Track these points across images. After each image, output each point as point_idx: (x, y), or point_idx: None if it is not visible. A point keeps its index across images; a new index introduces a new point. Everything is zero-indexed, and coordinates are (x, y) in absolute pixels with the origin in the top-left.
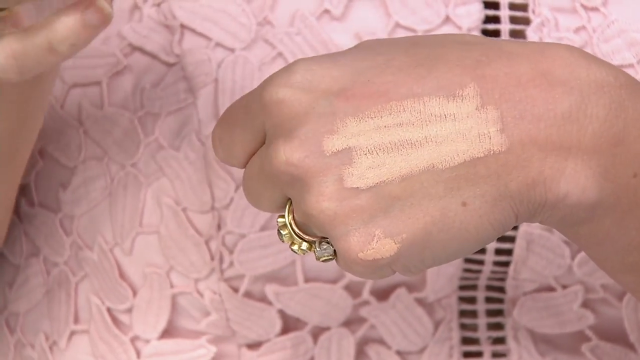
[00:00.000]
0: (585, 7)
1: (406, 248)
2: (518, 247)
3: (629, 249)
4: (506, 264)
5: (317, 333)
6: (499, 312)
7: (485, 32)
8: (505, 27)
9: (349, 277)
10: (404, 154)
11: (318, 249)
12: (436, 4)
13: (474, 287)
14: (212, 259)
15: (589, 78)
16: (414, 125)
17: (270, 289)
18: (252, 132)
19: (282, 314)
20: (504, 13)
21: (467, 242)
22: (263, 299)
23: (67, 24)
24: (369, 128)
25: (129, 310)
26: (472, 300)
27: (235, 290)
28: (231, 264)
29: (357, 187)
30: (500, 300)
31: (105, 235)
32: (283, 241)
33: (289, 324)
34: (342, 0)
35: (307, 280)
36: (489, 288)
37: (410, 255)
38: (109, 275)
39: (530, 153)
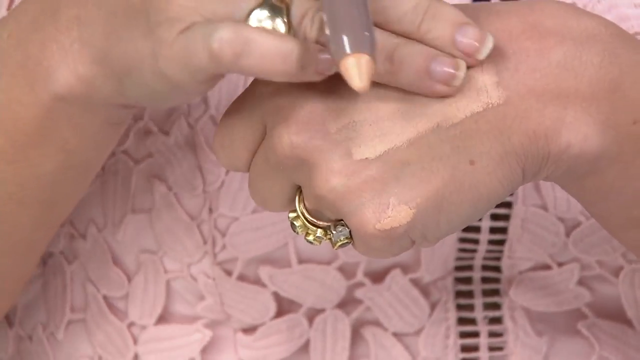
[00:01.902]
0: None
1: (422, 212)
2: (512, 225)
3: (634, 202)
4: (501, 242)
5: (312, 315)
6: (495, 292)
7: None
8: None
9: (343, 258)
10: (407, 118)
11: (334, 233)
12: None
13: (469, 268)
14: (205, 242)
15: (580, 27)
16: None
17: (264, 272)
18: (251, 128)
19: (277, 296)
20: None
21: (480, 202)
22: (257, 281)
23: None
24: (370, 100)
25: (125, 297)
26: (468, 280)
27: (229, 273)
28: (224, 247)
29: (367, 158)
30: (497, 280)
31: (97, 222)
32: (297, 233)
33: (284, 307)
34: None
35: (300, 261)
36: (485, 268)
37: (426, 219)
38: (103, 262)
39: (529, 104)
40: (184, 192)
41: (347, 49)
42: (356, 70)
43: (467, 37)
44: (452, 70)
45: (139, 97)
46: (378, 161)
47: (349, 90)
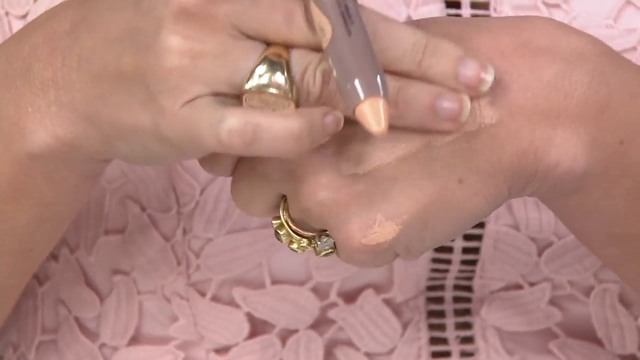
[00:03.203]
0: (546, 4)
1: (407, 229)
2: (485, 245)
3: (615, 220)
4: (473, 262)
5: (285, 336)
6: (467, 312)
7: None
8: None
9: (316, 278)
10: (398, 135)
11: (319, 243)
12: (397, 5)
13: (441, 287)
14: (179, 263)
15: (570, 46)
16: None
17: (237, 292)
18: None
19: (250, 317)
20: (466, 12)
21: (465, 219)
22: (231, 302)
23: (314, 120)
24: None
25: (97, 318)
26: (439, 300)
27: (203, 294)
28: (198, 267)
29: (355, 174)
30: (468, 300)
31: (70, 243)
32: (281, 241)
33: (257, 327)
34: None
35: (274, 282)
36: (457, 287)
37: (411, 235)
38: (75, 283)
39: (520, 123)
40: (157, 213)
41: (361, 95)
42: (372, 114)
43: (470, 70)
44: (457, 106)
45: (131, 157)
46: (367, 177)
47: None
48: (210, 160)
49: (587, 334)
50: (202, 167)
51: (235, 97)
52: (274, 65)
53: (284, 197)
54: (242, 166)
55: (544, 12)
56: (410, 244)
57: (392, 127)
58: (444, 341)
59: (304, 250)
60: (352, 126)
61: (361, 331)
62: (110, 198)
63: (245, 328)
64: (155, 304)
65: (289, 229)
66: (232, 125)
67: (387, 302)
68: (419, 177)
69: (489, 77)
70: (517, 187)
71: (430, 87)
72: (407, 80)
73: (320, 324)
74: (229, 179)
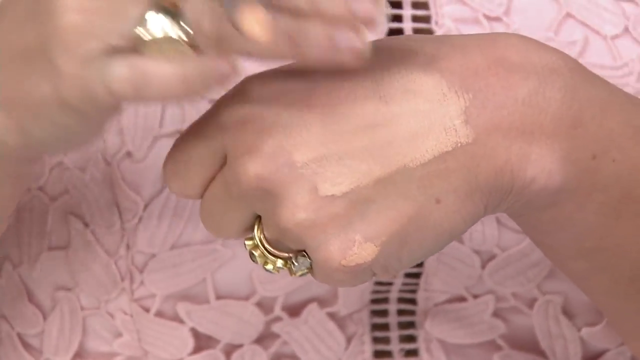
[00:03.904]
0: (487, 17)
1: (386, 249)
2: (429, 258)
3: (586, 234)
4: (417, 275)
5: (229, 351)
6: (411, 325)
7: None
8: None
9: (261, 293)
10: (375, 157)
11: (296, 264)
12: None
13: (385, 300)
14: (122, 279)
15: (542, 62)
16: (381, 127)
17: (182, 308)
18: (210, 155)
19: (195, 332)
20: (407, 25)
21: (442, 237)
22: (175, 317)
23: (210, 66)
24: (336, 135)
25: (40, 335)
26: (384, 313)
27: (147, 310)
28: (142, 283)
29: (332, 195)
30: (412, 313)
31: (12, 259)
32: (256, 262)
33: (202, 342)
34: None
35: (218, 297)
36: (401, 300)
37: (390, 255)
38: (18, 299)
39: (496, 141)
40: (101, 229)
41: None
42: (253, 21)
43: (362, 3)
44: (356, 38)
45: (48, 141)
46: (344, 198)
47: (316, 123)
48: (180, 181)
49: (530, 346)
50: (170, 190)
51: (133, 50)
52: (164, 11)
53: (258, 217)
54: (215, 187)
55: (485, 25)
56: (388, 263)
57: (354, 122)
58: (388, 354)
59: (278, 271)
60: (329, 146)
61: (305, 345)
62: (53, 214)
63: (190, 343)
64: (99, 320)
65: (264, 250)
66: (121, 73)
67: (331, 316)
68: (396, 198)
69: (382, 7)
70: (493, 204)
71: (327, 22)
72: (304, 17)
73: (264, 338)
74: (173, 196)
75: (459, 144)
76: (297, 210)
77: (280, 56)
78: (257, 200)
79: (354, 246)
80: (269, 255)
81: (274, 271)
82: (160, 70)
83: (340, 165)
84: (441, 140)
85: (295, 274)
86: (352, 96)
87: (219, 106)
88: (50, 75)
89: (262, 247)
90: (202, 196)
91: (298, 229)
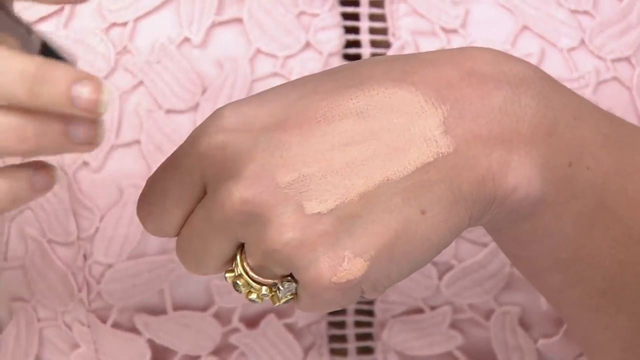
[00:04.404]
0: (444, 30)
1: (375, 264)
2: None
3: (563, 245)
4: None
5: None
6: (369, 336)
7: (347, 57)
8: (366, 51)
9: (218, 304)
10: (357, 172)
11: (281, 289)
12: (296, 30)
13: (343, 312)
14: (79, 290)
15: (512, 71)
16: (361, 142)
17: (139, 319)
18: (188, 189)
19: (152, 343)
20: (365, 37)
21: (430, 250)
22: (132, 328)
23: (17, 181)
24: (317, 153)
25: None
26: (341, 324)
27: (104, 320)
28: (98, 294)
29: (319, 212)
30: (370, 324)
31: None
32: (240, 292)
33: (159, 354)
34: (202, 27)
35: (175, 308)
36: (358, 312)
37: (379, 270)
38: None
39: (477, 150)
40: (57, 239)
41: None
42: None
43: (85, 94)
44: (88, 128)
45: None
46: (330, 215)
47: (295, 143)
48: (157, 220)
49: (487, 357)
50: (147, 231)
51: None
52: None
53: (239, 248)
54: (194, 221)
55: (442, 38)
56: (377, 280)
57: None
58: None
59: (262, 300)
60: (310, 165)
61: (263, 356)
62: (10, 225)
63: (147, 354)
64: (55, 331)
65: (248, 278)
66: None
67: (289, 327)
68: (381, 212)
69: (104, 97)
70: (477, 215)
71: (58, 114)
72: (34, 116)
73: (222, 349)
74: (130, 207)
75: (440, 155)
76: (285, 230)
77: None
78: (241, 225)
79: (344, 262)
80: (254, 284)
81: (257, 300)
82: None
83: (324, 183)
84: (422, 152)
85: (279, 301)
86: (329, 115)
87: (193, 139)
88: None
89: (246, 275)
90: (178, 233)
91: (287, 249)
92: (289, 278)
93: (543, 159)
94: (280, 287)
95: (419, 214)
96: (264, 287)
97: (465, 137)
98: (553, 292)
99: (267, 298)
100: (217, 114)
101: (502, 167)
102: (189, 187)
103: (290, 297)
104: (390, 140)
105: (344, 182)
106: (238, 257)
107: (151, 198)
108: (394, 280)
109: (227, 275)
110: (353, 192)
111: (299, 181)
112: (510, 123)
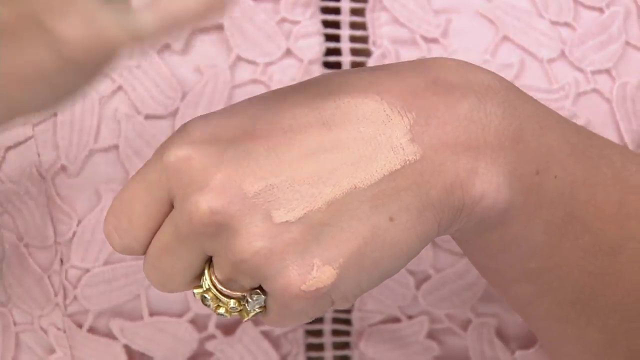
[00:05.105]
0: (425, 39)
1: (344, 272)
2: None
3: (531, 254)
4: None
5: None
6: (346, 345)
7: (327, 65)
8: (346, 59)
9: (195, 310)
10: (324, 180)
11: (250, 301)
12: (277, 37)
13: (320, 320)
14: (56, 294)
15: (478, 81)
16: (328, 151)
17: (115, 324)
18: (155, 204)
19: (128, 349)
20: (345, 45)
21: (399, 257)
22: (108, 334)
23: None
24: (284, 163)
25: None
26: (318, 333)
27: (80, 325)
28: (75, 298)
29: (287, 221)
30: (347, 333)
31: None
32: (208, 307)
33: None
34: (183, 33)
35: (152, 314)
36: (336, 320)
37: (349, 279)
38: None
39: (444, 157)
40: (35, 243)
41: None
42: None
43: None
44: None
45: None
46: (298, 224)
47: (262, 153)
48: (124, 236)
49: None
50: (113, 247)
51: None
52: None
53: (207, 263)
54: (161, 236)
55: (423, 47)
56: (346, 289)
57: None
58: None
59: (230, 315)
60: (278, 175)
61: None
62: None
63: None
64: (31, 336)
65: (216, 292)
66: (148, 21)
67: (266, 335)
68: (349, 220)
69: None
70: (446, 223)
71: None
72: None
73: (198, 356)
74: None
75: (407, 162)
76: (254, 239)
77: None
78: (209, 237)
79: (313, 270)
80: (222, 297)
81: (226, 314)
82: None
83: (292, 192)
84: (389, 160)
85: (248, 314)
86: (295, 125)
87: (161, 151)
88: (50, 42)
89: (214, 289)
90: (146, 250)
91: (256, 259)
92: (258, 290)
93: (510, 167)
94: (249, 299)
95: (387, 221)
96: (232, 301)
97: (431, 144)
98: (523, 303)
99: (236, 312)
100: (183, 127)
101: (469, 174)
102: (155, 202)
103: (259, 310)
104: (357, 148)
105: (312, 190)
106: (206, 271)
107: (118, 213)
108: (364, 289)
109: (195, 291)
110: (321, 201)
111: (267, 190)
112: (477, 130)
